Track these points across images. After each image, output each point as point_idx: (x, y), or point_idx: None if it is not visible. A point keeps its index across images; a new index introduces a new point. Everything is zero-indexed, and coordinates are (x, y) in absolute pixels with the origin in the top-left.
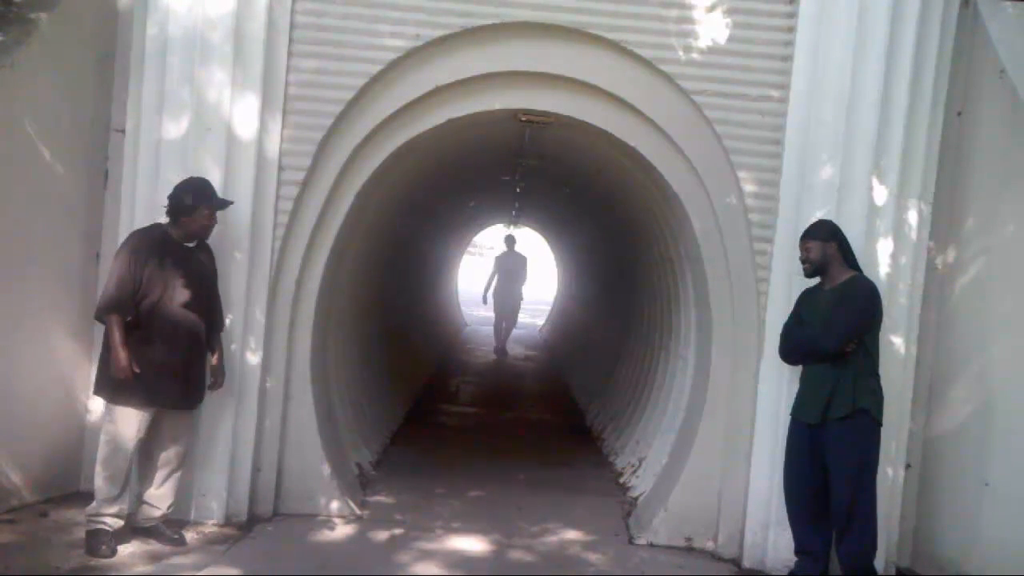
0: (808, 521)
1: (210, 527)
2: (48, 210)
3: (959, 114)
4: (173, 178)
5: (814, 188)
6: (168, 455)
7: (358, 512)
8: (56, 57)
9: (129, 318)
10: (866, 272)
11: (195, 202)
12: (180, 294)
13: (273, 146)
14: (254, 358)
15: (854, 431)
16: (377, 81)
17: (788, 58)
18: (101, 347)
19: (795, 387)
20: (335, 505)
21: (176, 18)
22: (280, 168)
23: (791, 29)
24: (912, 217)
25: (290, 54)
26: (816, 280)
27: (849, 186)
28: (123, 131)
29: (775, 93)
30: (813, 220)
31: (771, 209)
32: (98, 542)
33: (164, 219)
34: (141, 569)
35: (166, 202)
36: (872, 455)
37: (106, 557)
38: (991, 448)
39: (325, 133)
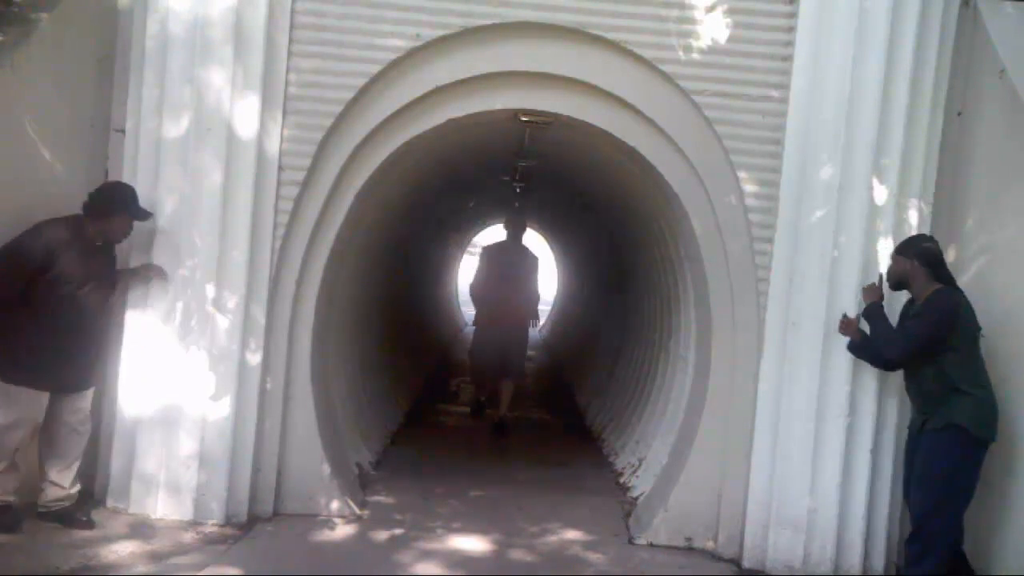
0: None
1: (210, 527)
2: (48, 210)
3: (959, 114)
4: (173, 178)
5: (814, 188)
6: (69, 437)
7: (358, 512)
8: (56, 57)
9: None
10: (866, 272)
11: (113, 209)
12: (77, 283)
13: (273, 146)
14: (254, 358)
15: (940, 443)
16: (377, 81)
17: (788, 58)
18: None
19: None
20: (335, 505)
21: (176, 17)
22: (280, 168)
23: (791, 29)
24: (912, 217)
25: (290, 54)
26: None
27: (849, 186)
28: (123, 131)
29: (775, 93)
30: (813, 220)
31: (771, 209)
32: None
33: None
34: (141, 569)
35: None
36: (957, 471)
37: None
38: (991, 448)
39: (325, 133)
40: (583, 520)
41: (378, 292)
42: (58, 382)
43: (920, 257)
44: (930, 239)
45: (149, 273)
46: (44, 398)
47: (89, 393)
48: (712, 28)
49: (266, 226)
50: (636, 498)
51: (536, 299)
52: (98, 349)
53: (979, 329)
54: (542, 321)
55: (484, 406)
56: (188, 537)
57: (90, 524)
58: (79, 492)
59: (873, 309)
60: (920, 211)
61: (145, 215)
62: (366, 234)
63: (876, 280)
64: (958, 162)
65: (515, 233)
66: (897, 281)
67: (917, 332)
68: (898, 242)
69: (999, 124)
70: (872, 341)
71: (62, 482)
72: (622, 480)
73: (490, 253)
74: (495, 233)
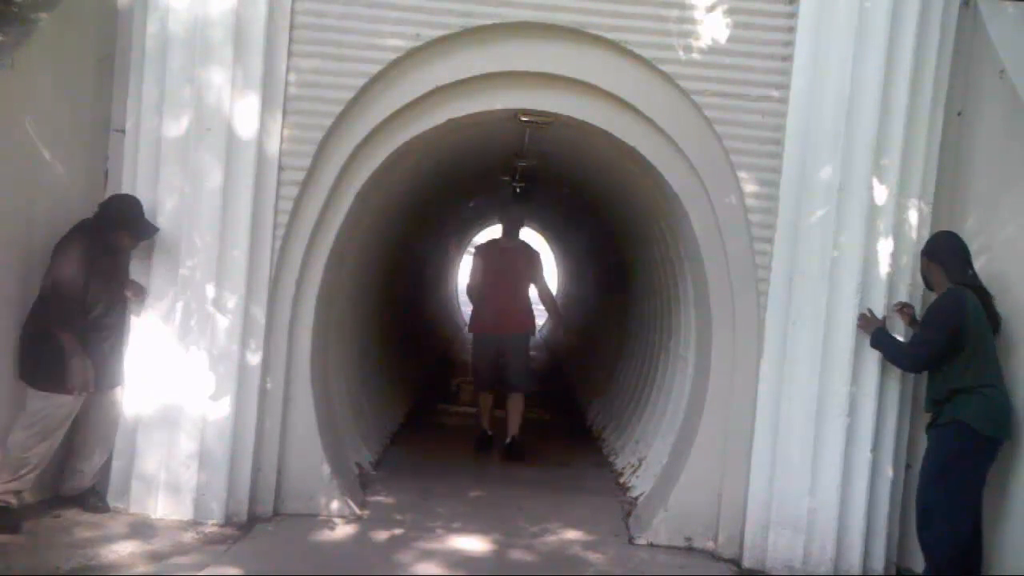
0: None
1: (210, 527)
2: (48, 210)
3: (959, 114)
4: (173, 178)
5: (814, 188)
6: (107, 432)
7: (358, 512)
8: (56, 57)
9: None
10: (866, 272)
11: (115, 225)
12: (105, 284)
13: (273, 146)
14: (254, 358)
15: (941, 439)
16: (377, 81)
17: (788, 58)
18: (25, 332)
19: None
20: (335, 505)
21: (176, 17)
22: (280, 168)
23: (791, 29)
24: (912, 217)
25: (290, 54)
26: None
27: (849, 186)
28: (123, 131)
29: (775, 93)
30: (813, 220)
31: (771, 209)
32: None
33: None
34: (141, 569)
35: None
36: (953, 467)
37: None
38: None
39: (325, 133)
40: (583, 520)
41: (378, 292)
42: (98, 380)
43: (933, 255)
44: (948, 234)
45: (132, 293)
46: (77, 403)
47: (114, 391)
48: (712, 28)
49: (266, 226)
50: (636, 498)
51: (548, 296)
52: (123, 344)
53: (993, 326)
54: (540, 322)
55: (491, 440)
56: (188, 537)
57: (105, 507)
58: (97, 477)
59: (877, 336)
60: (920, 211)
61: (149, 232)
62: (366, 234)
63: (869, 300)
64: (958, 162)
65: (511, 228)
66: (926, 281)
67: (925, 339)
68: (898, 242)
69: (999, 124)
70: (889, 353)
71: (89, 471)
72: (622, 480)
73: (483, 252)
74: (495, 233)
